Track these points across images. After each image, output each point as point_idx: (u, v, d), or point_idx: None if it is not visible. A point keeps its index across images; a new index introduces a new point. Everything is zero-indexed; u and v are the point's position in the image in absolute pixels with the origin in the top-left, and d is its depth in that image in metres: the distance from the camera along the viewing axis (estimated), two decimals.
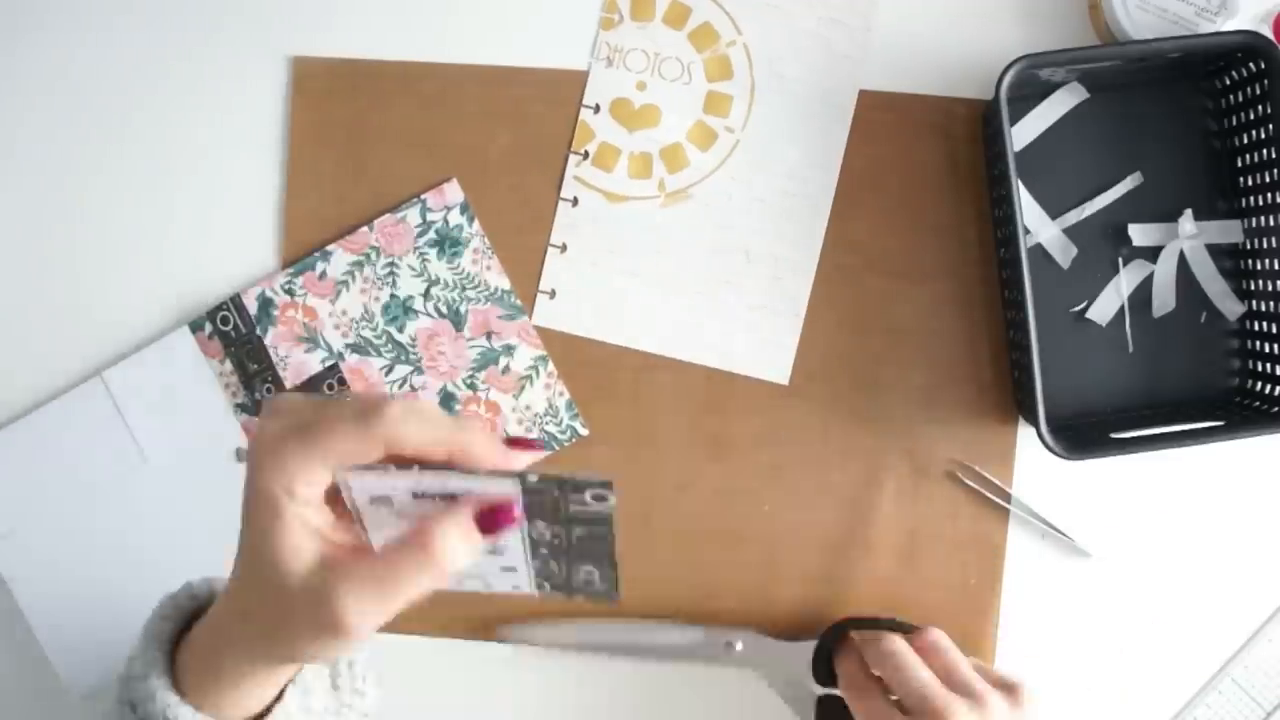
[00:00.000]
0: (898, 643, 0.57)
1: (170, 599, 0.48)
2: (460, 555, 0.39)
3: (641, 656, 0.64)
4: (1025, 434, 0.64)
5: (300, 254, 0.65)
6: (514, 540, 0.40)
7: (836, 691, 0.60)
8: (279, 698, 0.46)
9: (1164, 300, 0.64)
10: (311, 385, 0.65)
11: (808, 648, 0.61)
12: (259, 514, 0.39)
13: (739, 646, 0.63)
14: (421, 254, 0.65)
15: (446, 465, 0.39)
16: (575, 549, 0.40)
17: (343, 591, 0.38)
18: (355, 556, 0.40)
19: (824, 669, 0.61)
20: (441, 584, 0.39)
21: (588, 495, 0.38)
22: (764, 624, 0.64)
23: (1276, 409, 0.60)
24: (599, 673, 0.65)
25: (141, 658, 0.45)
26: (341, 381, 0.65)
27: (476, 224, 0.65)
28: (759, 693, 0.63)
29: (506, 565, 0.42)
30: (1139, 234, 0.64)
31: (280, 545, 0.39)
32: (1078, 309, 0.64)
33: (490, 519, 0.39)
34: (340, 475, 0.38)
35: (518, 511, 0.39)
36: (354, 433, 0.39)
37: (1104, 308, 0.64)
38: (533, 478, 0.38)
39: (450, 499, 0.39)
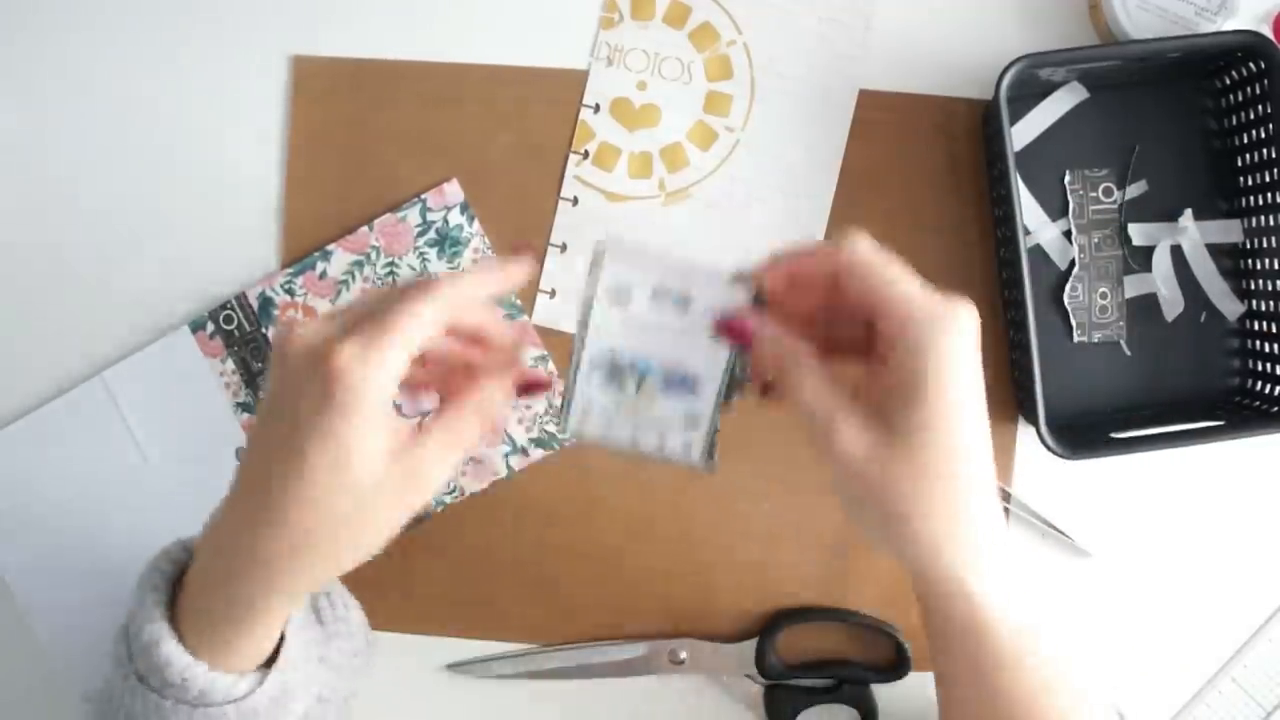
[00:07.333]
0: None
1: (163, 553, 0.46)
2: (498, 408, 0.44)
3: (593, 677, 0.65)
4: (1025, 434, 0.64)
5: (300, 254, 0.65)
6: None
7: (786, 682, 0.64)
8: (278, 647, 0.45)
9: (1165, 298, 0.64)
10: None
11: (750, 645, 0.63)
12: (334, 411, 0.39)
13: (683, 655, 0.64)
14: (421, 254, 0.65)
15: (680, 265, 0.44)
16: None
17: (430, 446, 0.41)
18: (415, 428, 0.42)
19: (764, 663, 0.63)
20: (489, 435, 0.44)
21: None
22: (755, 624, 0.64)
23: (1276, 409, 0.60)
24: (551, 695, 0.65)
25: (140, 610, 0.44)
26: None
27: (476, 224, 0.65)
28: (712, 700, 0.65)
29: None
30: (1139, 234, 0.64)
31: (362, 446, 0.39)
32: None
33: (526, 387, 0.45)
34: (600, 249, 0.43)
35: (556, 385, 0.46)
36: (429, 309, 0.41)
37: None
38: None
39: (684, 305, 0.44)
